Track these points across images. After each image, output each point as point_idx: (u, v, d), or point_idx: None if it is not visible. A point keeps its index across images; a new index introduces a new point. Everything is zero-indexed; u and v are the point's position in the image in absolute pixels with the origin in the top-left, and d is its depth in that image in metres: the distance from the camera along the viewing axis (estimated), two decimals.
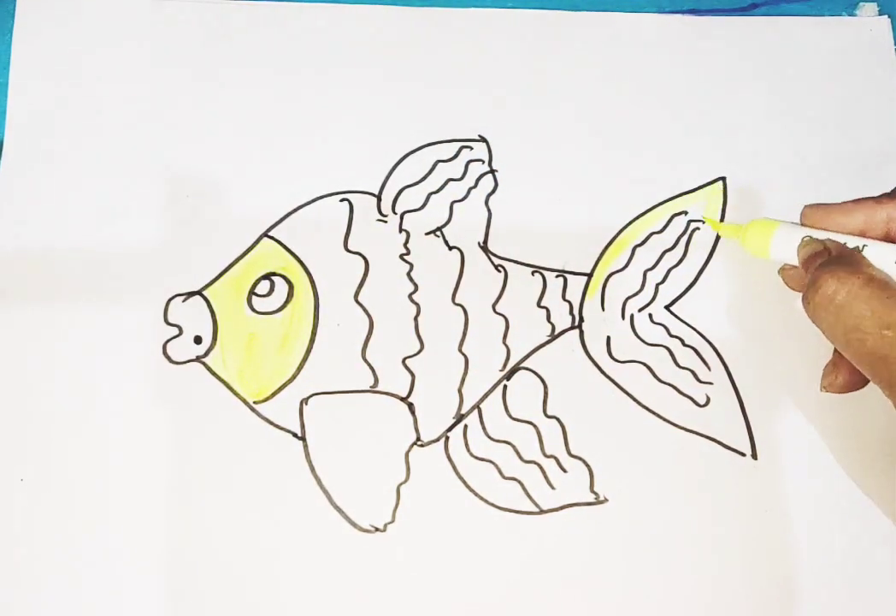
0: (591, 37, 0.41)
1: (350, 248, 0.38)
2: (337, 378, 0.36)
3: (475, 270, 0.38)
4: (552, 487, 0.35)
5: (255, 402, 0.36)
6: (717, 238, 0.38)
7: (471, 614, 0.34)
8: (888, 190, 0.39)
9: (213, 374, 0.36)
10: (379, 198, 0.38)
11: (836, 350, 0.32)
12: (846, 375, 0.32)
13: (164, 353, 0.36)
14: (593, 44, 0.41)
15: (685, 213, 0.39)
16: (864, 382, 0.32)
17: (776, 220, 0.33)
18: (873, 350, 0.28)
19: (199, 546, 0.34)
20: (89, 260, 0.37)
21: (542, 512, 0.35)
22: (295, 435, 0.35)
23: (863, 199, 0.31)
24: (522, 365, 0.37)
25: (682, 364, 0.37)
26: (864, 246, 0.30)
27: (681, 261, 0.38)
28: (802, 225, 0.32)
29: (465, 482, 0.35)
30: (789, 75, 0.41)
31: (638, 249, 0.38)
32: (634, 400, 0.36)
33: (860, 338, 0.28)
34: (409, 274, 0.37)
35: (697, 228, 0.38)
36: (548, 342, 0.37)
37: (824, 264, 0.30)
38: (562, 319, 0.37)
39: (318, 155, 0.39)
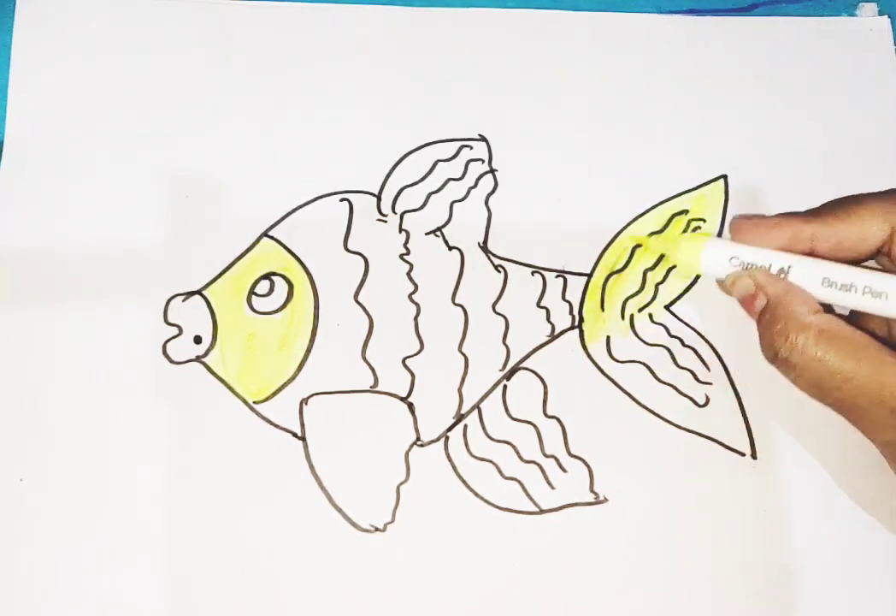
0: (591, 37, 0.41)
1: (350, 247, 0.38)
2: (337, 378, 0.36)
3: (475, 270, 0.38)
4: (552, 487, 0.35)
5: (254, 402, 0.36)
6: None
7: (471, 614, 0.34)
8: (885, 189, 0.39)
9: (213, 373, 0.36)
10: (379, 198, 0.38)
11: None
12: None
13: (164, 352, 0.36)
14: (593, 44, 0.41)
15: (686, 212, 0.39)
16: None
17: (703, 234, 0.33)
18: (839, 400, 0.29)
19: (199, 546, 0.34)
20: (89, 260, 0.37)
21: (541, 512, 0.35)
22: (295, 435, 0.35)
23: (790, 214, 0.31)
24: (522, 365, 0.37)
25: (681, 364, 0.37)
26: (789, 267, 0.30)
27: None
28: (732, 238, 0.32)
29: (465, 482, 0.35)
30: (789, 75, 0.41)
31: (638, 249, 0.38)
32: (634, 400, 0.36)
33: (822, 392, 0.29)
34: (409, 274, 0.37)
35: (698, 227, 0.38)
36: (548, 342, 0.37)
37: (768, 321, 0.30)
38: (562, 319, 0.37)
39: (318, 155, 0.39)
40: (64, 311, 0.36)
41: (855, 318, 0.32)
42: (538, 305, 0.37)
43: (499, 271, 0.38)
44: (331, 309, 0.37)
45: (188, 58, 0.40)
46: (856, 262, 0.31)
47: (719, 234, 0.38)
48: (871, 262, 0.31)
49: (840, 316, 0.31)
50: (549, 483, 0.35)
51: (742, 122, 0.40)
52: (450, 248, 0.38)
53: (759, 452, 0.36)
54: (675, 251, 0.33)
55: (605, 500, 0.35)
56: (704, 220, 0.38)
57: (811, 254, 0.31)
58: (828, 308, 0.30)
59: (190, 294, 0.37)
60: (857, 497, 0.36)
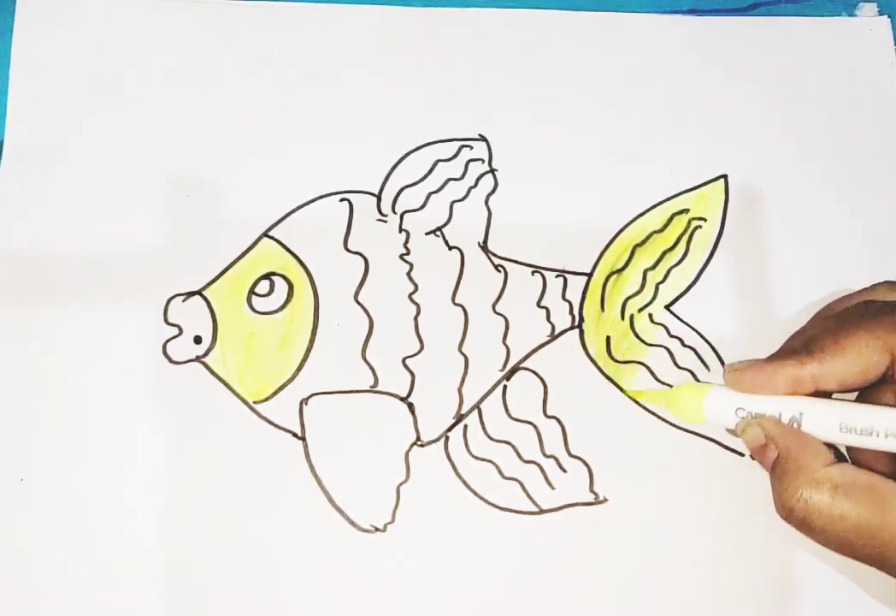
0: (591, 37, 0.41)
1: (350, 247, 0.38)
2: (337, 378, 0.36)
3: (475, 270, 0.38)
4: (552, 487, 0.35)
5: (255, 402, 0.36)
6: (718, 238, 0.38)
7: (471, 614, 0.34)
8: (886, 189, 0.39)
9: (213, 373, 0.36)
10: (379, 197, 0.38)
11: None
12: None
13: (164, 352, 0.36)
14: (593, 44, 0.41)
15: (686, 211, 0.39)
16: None
17: (703, 383, 0.33)
18: (872, 556, 0.28)
19: (198, 546, 0.34)
20: (89, 260, 0.37)
21: (541, 512, 0.35)
22: (295, 435, 0.35)
23: (784, 356, 0.30)
24: (522, 365, 0.37)
25: (681, 364, 0.37)
26: (800, 414, 0.29)
27: (681, 260, 0.38)
28: (729, 386, 0.31)
29: (465, 482, 0.35)
30: (789, 75, 0.41)
31: (638, 249, 0.38)
32: (634, 400, 0.36)
33: (854, 551, 0.28)
34: (409, 274, 0.37)
35: (699, 227, 0.38)
36: (548, 342, 0.37)
37: (780, 475, 0.29)
38: (562, 319, 0.37)
39: (318, 155, 0.39)
40: (64, 311, 0.36)
41: (852, 451, 0.31)
42: (538, 305, 0.37)
43: (499, 271, 0.38)
44: (331, 309, 0.37)
45: (188, 58, 0.40)
46: (863, 387, 0.30)
47: (719, 236, 0.38)
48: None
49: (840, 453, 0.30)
50: (549, 483, 0.35)
51: (742, 122, 0.40)
52: (450, 248, 0.38)
53: None
54: (677, 402, 0.32)
55: (605, 500, 0.35)
56: (705, 219, 0.38)
57: (817, 393, 0.30)
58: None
59: (190, 294, 0.37)
60: None
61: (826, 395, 0.30)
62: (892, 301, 0.31)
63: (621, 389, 0.36)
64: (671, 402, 0.33)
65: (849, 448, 0.31)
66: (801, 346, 0.30)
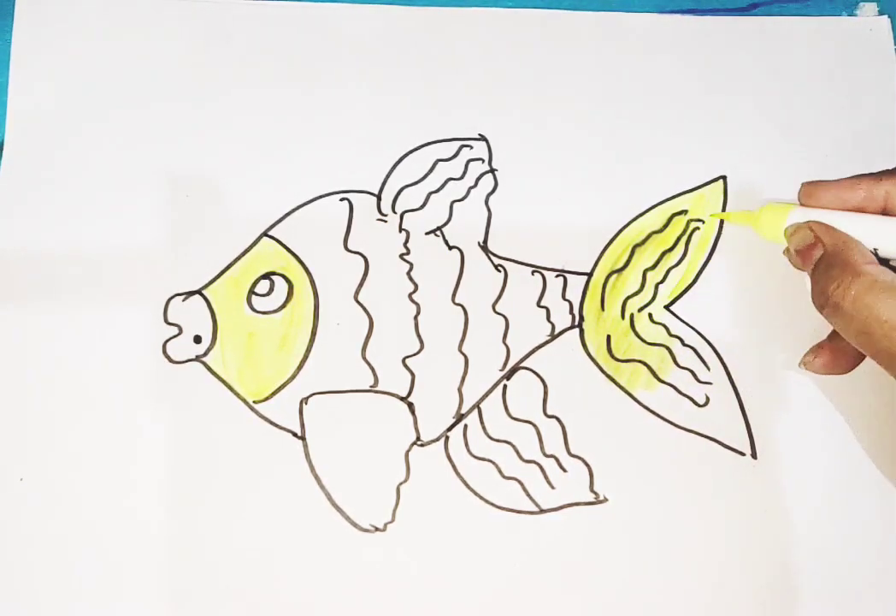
0: (591, 37, 0.41)
1: (350, 247, 0.38)
2: (337, 378, 0.36)
3: (475, 270, 0.38)
4: (552, 487, 0.35)
5: (254, 402, 0.36)
6: (717, 238, 0.38)
7: (471, 614, 0.34)
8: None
9: (213, 373, 0.36)
10: (379, 197, 0.38)
11: (829, 335, 0.35)
12: (825, 358, 0.34)
13: (164, 352, 0.36)
14: (593, 44, 0.41)
15: (685, 212, 0.39)
16: (843, 369, 0.34)
17: (788, 203, 0.34)
18: (885, 349, 0.29)
19: (198, 546, 0.34)
20: (89, 260, 0.37)
21: (541, 511, 0.35)
22: (295, 434, 0.35)
23: (863, 175, 0.32)
24: (522, 364, 0.37)
25: (681, 364, 0.37)
26: (875, 250, 0.31)
27: (681, 261, 0.38)
28: (803, 203, 0.33)
29: (465, 482, 0.35)
30: (789, 75, 0.41)
31: (638, 249, 0.38)
32: (634, 399, 0.36)
33: (870, 340, 0.29)
34: (409, 273, 0.37)
35: (697, 228, 0.38)
36: (548, 342, 0.37)
37: (824, 268, 0.31)
38: (562, 319, 0.37)
39: (318, 154, 0.39)
40: (64, 311, 0.36)
41: None
42: (538, 305, 0.37)
43: (499, 271, 0.38)
44: (331, 308, 0.37)
45: (188, 58, 0.40)
46: None
47: (717, 237, 0.38)
48: None
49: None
50: (549, 483, 0.35)
51: (742, 122, 0.40)
52: (450, 248, 0.38)
53: (759, 452, 0.36)
54: (759, 220, 0.34)
55: (605, 499, 0.35)
56: (703, 221, 0.38)
57: (884, 212, 0.32)
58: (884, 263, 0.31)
59: (190, 294, 0.37)
60: (857, 497, 0.36)
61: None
62: None
63: (622, 389, 0.36)
64: (755, 221, 0.34)
65: None
66: (882, 170, 0.32)
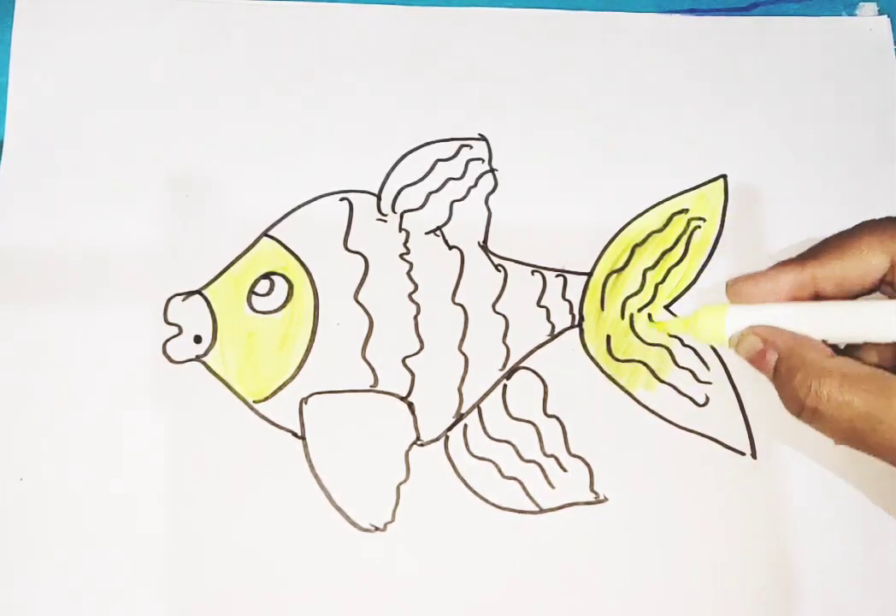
0: (591, 36, 0.41)
1: (350, 247, 0.38)
2: (337, 377, 0.36)
3: (475, 270, 0.38)
4: (552, 487, 0.35)
5: (254, 402, 0.36)
6: (718, 238, 0.38)
7: (471, 614, 0.34)
8: (886, 189, 0.39)
9: (213, 373, 0.36)
10: (379, 197, 0.38)
11: None
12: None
13: (164, 352, 0.36)
14: (593, 43, 0.41)
15: (685, 211, 0.39)
16: None
17: (721, 304, 0.34)
18: (877, 445, 0.28)
19: (198, 545, 0.34)
20: (89, 260, 0.37)
21: (541, 511, 0.35)
22: (295, 434, 0.35)
23: (785, 262, 0.32)
24: (522, 364, 0.37)
25: (681, 364, 0.37)
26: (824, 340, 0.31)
27: (680, 260, 0.38)
28: (733, 301, 0.33)
29: (465, 482, 0.35)
30: (789, 75, 0.41)
31: (638, 249, 0.38)
32: (634, 399, 0.36)
33: (861, 437, 0.29)
34: (408, 273, 0.37)
35: (698, 227, 0.38)
36: (548, 341, 0.37)
37: (786, 373, 0.30)
38: (562, 319, 0.37)
39: (318, 154, 0.39)
40: (64, 311, 0.36)
41: (854, 352, 0.32)
42: (538, 305, 0.37)
43: (499, 270, 0.38)
44: (331, 308, 0.37)
45: (188, 58, 0.40)
46: (860, 295, 0.31)
47: (718, 236, 0.38)
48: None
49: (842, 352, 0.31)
50: (549, 482, 0.35)
51: (742, 122, 0.40)
52: (450, 248, 0.38)
53: (759, 452, 0.36)
54: (697, 326, 0.33)
55: (605, 499, 0.35)
56: (704, 219, 0.38)
57: (817, 297, 0.31)
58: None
59: (190, 294, 0.37)
60: (857, 496, 0.35)
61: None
62: None
63: (622, 389, 0.36)
64: (692, 327, 0.34)
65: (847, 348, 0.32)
66: (803, 253, 0.32)
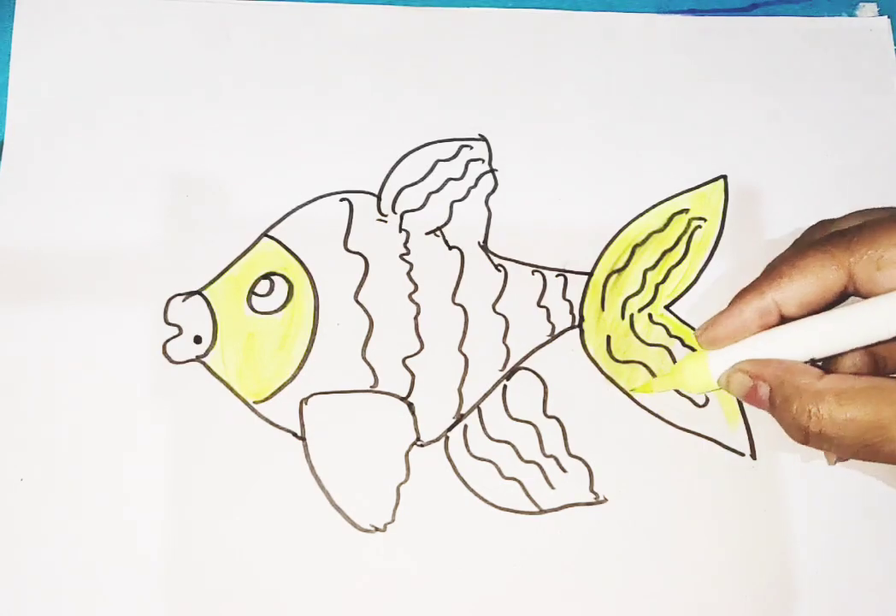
0: (591, 37, 0.41)
1: (350, 247, 0.38)
2: (337, 378, 0.36)
3: (475, 270, 0.38)
4: (552, 487, 0.35)
5: (254, 402, 0.36)
6: (718, 238, 0.38)
7: (471, 614, 0.34)
8: (886, 189, 0.39)
9: (213, 373, 0.36)
10: (379, 197, 0.38)
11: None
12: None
13: (164, 352, 0.36)
14: (593, 44, 0.41)
15: (686, 211, 0.39)
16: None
17: (698, 352, 0.34)
18: (892, 452, 0.28)
19: (198, 546, 0.34)
20: (89, 260, 0.37)
21: (541, 512, 0.35)
22: (295, 435, 0.35)
23: (744, 292, 0.32)
24: (522, 365, 0.37)
25: None
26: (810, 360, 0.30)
27: (681, 260, 0.38)
28: (708, 347, 0.33)
29: (465, 482, 0.35)
30: (789, 75, 0.41)
31: (638, 249, 0.38)
32: (634, 400, 0.36)
33: (874, 449, 0.28)
34: (409, 274, 0.37)
35: (699, 227, 0.38)
36: (548, 342, 0.37)
37: (782, 404, 0.30)
38: (562, 319, 0.37)
39: (318, 155, 0.39)
40: (64, 311, 0.36)
41: (831, 365, 0.32)
42: (538, 305, 0.37)
43: (499, 271, 0.38)
44: (331, 309, 0.37)
45: (188, 58, 0.40)
46: (826, 309, 0.31)
47: (718, 236, 0.38)
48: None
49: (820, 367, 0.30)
50: (549, 483, 0.35)
51: (742, 122, 0.40)
52: (450, 248, 0.38)
53: (759, 452, 0.36)
54: (684, 380, 0.33)
55: (605, 500, 0.35)
56: (705, 219, 0.38)
57: (785, 319, 0.31)
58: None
59: (190, 294, 0.37)
60: (857, 496, 0.35)
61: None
62: (847, 227, 0.31)
63: (621, 389, 0.36)
64: (679, 382, 0.34)
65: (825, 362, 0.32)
66: (759, 277, 0.31)
